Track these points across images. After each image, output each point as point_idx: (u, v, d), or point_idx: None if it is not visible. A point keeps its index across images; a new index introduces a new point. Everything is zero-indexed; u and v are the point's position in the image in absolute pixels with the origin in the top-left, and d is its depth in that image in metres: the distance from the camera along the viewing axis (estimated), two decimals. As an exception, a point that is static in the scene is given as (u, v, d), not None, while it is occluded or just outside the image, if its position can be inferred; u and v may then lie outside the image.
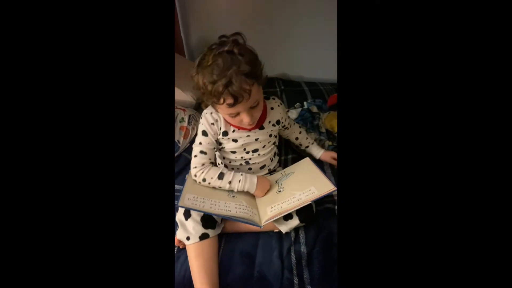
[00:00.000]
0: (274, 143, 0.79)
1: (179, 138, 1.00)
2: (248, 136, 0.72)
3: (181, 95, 1.16)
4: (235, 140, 0.72)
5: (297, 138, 0.91)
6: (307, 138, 0.92)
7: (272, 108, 0.74)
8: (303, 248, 0.70)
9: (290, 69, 1.62)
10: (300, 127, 0.91)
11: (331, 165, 0.95)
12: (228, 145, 0.73)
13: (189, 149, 1.02)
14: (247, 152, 0.75)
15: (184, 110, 1.07)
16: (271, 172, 0.84)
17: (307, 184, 0.69)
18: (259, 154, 0.76)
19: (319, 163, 0.94)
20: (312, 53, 1.58)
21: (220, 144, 0.74)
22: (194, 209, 0.60)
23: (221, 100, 0.56)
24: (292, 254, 0.69)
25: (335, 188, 0.64)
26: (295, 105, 1.27)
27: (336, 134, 1.07)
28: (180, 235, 0.65)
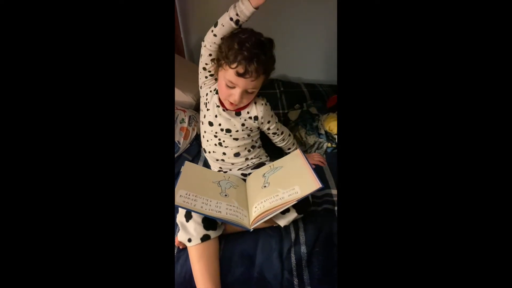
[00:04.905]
0: (249, 135, 0.81)
1: (179, 139, 1.00)
2: (225, 112, 0.77)
3: (181, 96, 1.16)
4: (218, 106, 0.77)
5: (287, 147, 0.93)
6: (291, 145, 0.93)
7: (255, 103, 0.77)
8: (303, 249, 0.70)
9: (289, 71, 1.62)
10: (289, 135, 0.91)
11: (330, 166, 0.95)
12: (210, 107, 0.78)
13: (189, 150, 1.02)
14: (222, 130, 0.78)
15: (184, 111, 1.07)
16: (258, 165, 0.85)
17: (292, 182, 0.68)
18: (230, 136, 0.79)
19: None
20: (311, 55, 1.58)
21: (205, 103, 0.80)
22: (184, 208, 0.60)
23: (234, 65, 0.63)
24: (292, 255, 0.69)
25: (320, 186, 0.62)
26: (295, 107, 1.28)
27: (335, 136, 1.08)
28: (181, 237, 0.65)
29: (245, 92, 0.68)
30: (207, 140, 0.83)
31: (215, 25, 0.67)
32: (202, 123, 0.82)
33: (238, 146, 0.81)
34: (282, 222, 0.71)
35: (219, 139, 0.80)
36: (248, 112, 0.77)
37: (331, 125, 1.10)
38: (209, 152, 0.84)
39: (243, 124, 0.78)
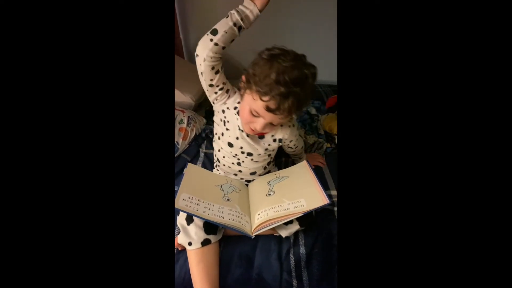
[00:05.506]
0: (269, 155, 0.78)
1: (178, 139, 1.00)
2: (248, 137, 0.71)
3: (180, 97, 1.15)
4: (241, 130, 0.69)
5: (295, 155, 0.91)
6: (299, 153, 0.91)
7: (281, 125, 0.70)
8: (302, 250, 0.70)
9: (289, 71, 1.62)
10: (302, 147, 0.87)
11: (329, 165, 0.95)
12: (231, 128, 0.70)
13: (188, 151, 1.02)
14: (242, 152, 0.74)
15: (183, 112, 1.07)
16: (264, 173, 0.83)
17: (298, 194, 0.67)
18: (252, 159, 0.75)
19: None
20: (311, 55, 1.58)
21: (225, 121, 0.71)
22: (187, 212, 0.59)
23: (266, 98, 0.55)
24: (291, 256, 0.69)
25: (326, 202, 0.61)
26: (294, 107, 1.27)
27: (335, 136, 1.08)
28: (181, 239, 0.64)
29: (269, 124, 0.61)
30: (224, 157, 0.77)
31: (214, 33, 0.57)
32: (219, 139, 0.75)
33: (257, 167, 0.78)
34: (284, 233, 0.70)
35: (238, 159, 0.76)
36: (272, 135, 0.72)
37: (331, 125, 1.10)
38: (224, 165, 0.79)
39: (266, 149, 0.74)
